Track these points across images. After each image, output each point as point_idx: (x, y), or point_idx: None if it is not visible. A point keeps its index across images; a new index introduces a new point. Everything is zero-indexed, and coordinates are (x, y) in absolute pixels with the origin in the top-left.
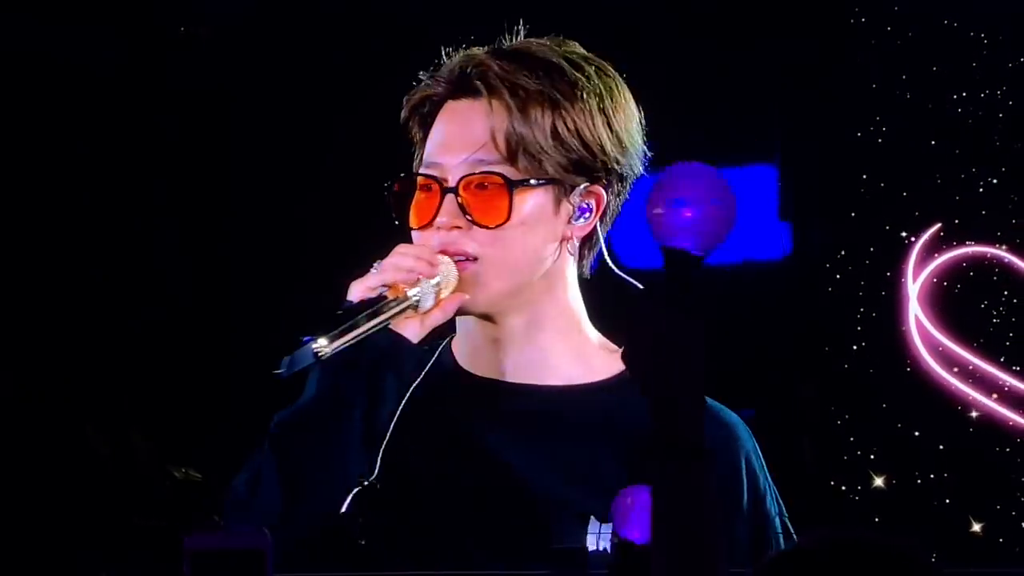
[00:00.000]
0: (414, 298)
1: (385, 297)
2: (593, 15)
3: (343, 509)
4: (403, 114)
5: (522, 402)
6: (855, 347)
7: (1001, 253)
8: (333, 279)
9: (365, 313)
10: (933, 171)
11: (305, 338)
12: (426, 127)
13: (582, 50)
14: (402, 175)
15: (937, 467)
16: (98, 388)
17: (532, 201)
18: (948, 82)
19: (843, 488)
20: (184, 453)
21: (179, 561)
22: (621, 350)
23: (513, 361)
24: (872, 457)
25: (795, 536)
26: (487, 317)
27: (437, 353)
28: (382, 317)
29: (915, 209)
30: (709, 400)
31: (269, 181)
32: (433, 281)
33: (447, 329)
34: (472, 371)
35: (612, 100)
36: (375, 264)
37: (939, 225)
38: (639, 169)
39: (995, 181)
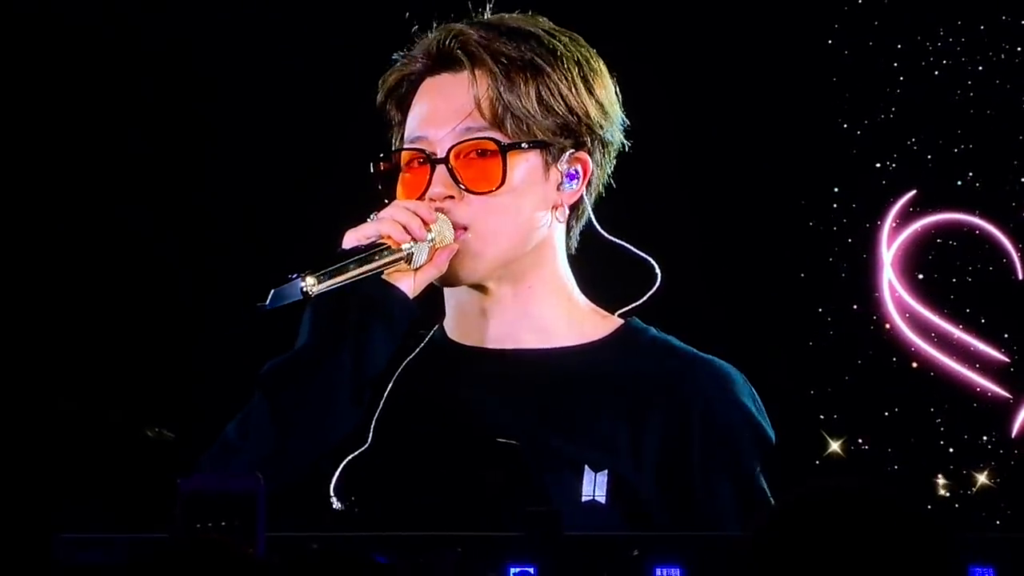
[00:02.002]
0: (407, 250)
1: (378, 245)
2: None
3: (334, 479)
4: (379, 96)
5: (514, 366)
6: (827, 312)
7: (975, 220)
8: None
9: (356, 258)
10: (908, 138)
11: (292, 275)
12: (404, 107)
13: (551, 24)
14: (384, 153)
15: (906, 431)
16: (70, 353)
17: (524, 165)
18: (920, 49)
19: (811, 452)
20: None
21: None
22: (611, 315)
23: (505, 329)
24: (841, 421)
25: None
26: (479, 287)
27: (430, 334)
28: (374, 264)
29: (890, 176)
30: (704, 354)
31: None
32: (428, 237)
33: (439, 315)
34: (463, 343)
35: (590, 68)
36: (372, 215)
37: (914, 192)
38: (620, 138)
39: (970, 147)
